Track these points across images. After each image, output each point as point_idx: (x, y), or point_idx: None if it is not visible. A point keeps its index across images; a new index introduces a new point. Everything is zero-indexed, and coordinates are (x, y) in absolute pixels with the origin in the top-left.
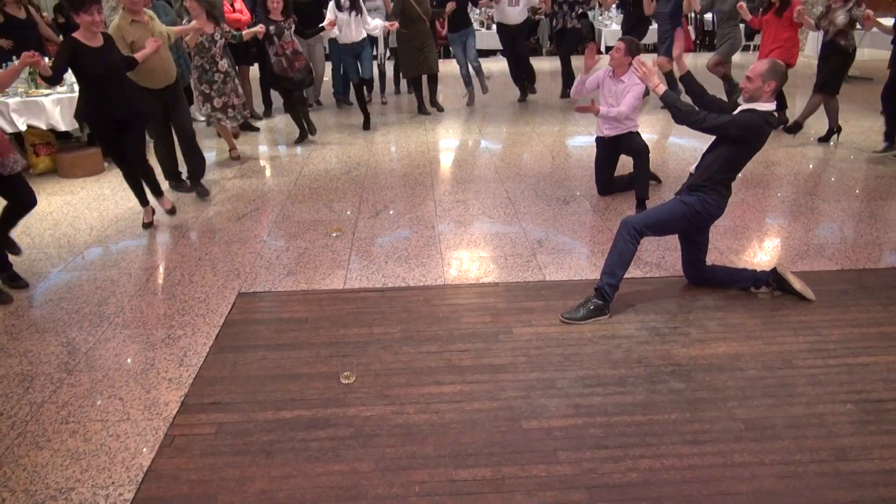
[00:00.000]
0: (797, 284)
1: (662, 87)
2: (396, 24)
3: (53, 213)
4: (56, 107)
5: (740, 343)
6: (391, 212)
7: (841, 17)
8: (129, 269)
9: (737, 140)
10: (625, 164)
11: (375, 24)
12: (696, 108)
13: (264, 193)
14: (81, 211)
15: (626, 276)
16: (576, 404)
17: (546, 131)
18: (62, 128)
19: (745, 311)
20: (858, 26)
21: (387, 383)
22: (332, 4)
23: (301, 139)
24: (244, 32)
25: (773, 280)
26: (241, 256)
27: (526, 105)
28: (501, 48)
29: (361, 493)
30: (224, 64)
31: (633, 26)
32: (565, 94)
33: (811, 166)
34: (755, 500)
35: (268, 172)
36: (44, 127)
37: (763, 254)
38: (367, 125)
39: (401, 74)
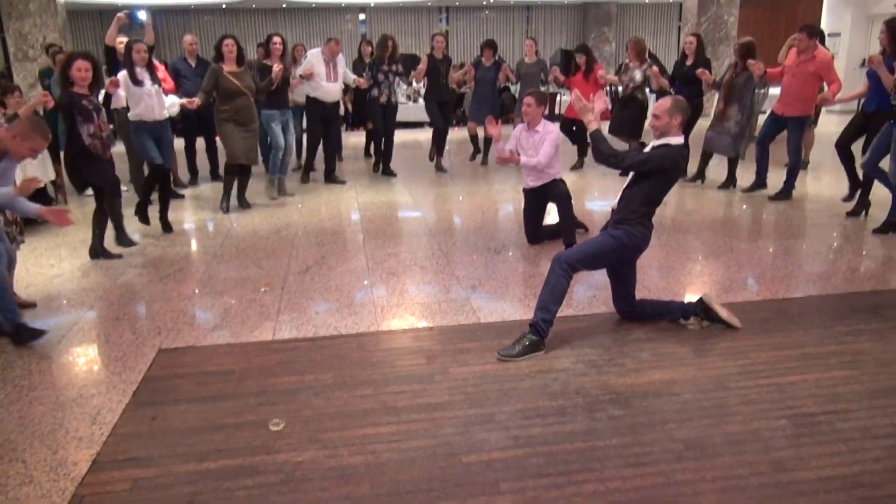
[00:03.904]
0: (723, 313)
1: (595, 125)
2: (197, 101)
3: None
4: None
5: (674, 370)
6: (322, 266)
7: (638, 76)
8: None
9: (655, 174)
10: (553, 213)
11: (172, 102)
12: (617, 150)
13: (189, 255)
14: None
15: (560, 314)
16: (515, 436)
17: (475, 191)
18: None
19: (675, 340)
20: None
21: (319, 428)
22: (123, 76)
23: (98, 253)
24: (21, 110)
25: (701, 310)
26: (162, 314)
27: (466, 164)
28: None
29: None
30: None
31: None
32: (386, 170)
33: (726, 212)
34: None
35: (193, 236)
36: None
37: (689, 290)
38: (165, 226)
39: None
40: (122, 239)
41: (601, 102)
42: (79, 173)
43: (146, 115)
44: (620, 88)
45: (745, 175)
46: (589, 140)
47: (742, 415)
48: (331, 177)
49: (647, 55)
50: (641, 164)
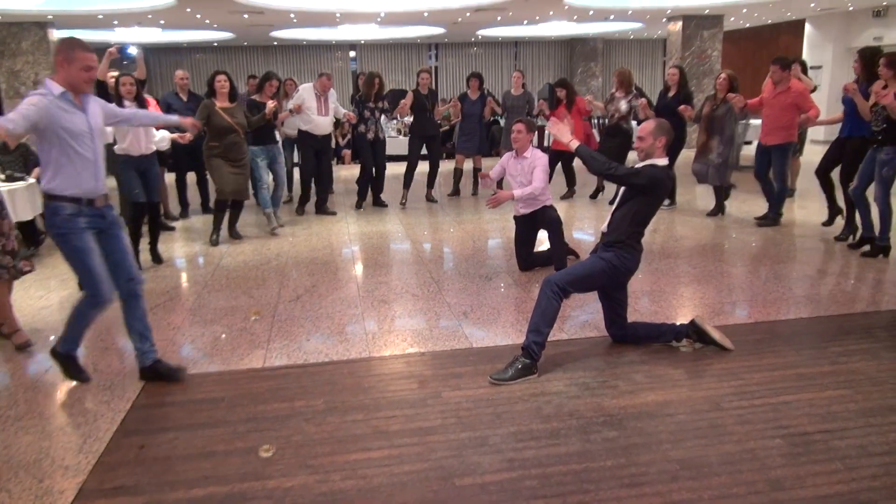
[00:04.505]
0: (716, 335)
1: (576, 143)
2: (189, 136)
3: None
4: None
5: (667, 391)
6: (313, 295)
7: (623, 106)
8: (24, 362)
9: (643, 192)
10: (543, 240)
11: (162, 136)
12: (609, 161)
13: (179, 286)
14: None
15: (552, 338)
16: (509, 458)
17: (466, 219)
18: None
19: (668, 362)
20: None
21: (310, 453)
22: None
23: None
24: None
25: (693, 332)
26: None
27: (446, 199)
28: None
29: None
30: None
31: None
32: (377, 201)
33: (715, 238)
34: None
35: (183, 267)
36: None
37: (681, 313)
38: (155, 258)
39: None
40: None
41: (568, 120)
42: None
43: (132, 150)
44: (605, 120)
45: (733, 203)
46: (578, 157)
47: (737, 434)
48: (322, 208)
49: (633, 87)
50: (634, 176)
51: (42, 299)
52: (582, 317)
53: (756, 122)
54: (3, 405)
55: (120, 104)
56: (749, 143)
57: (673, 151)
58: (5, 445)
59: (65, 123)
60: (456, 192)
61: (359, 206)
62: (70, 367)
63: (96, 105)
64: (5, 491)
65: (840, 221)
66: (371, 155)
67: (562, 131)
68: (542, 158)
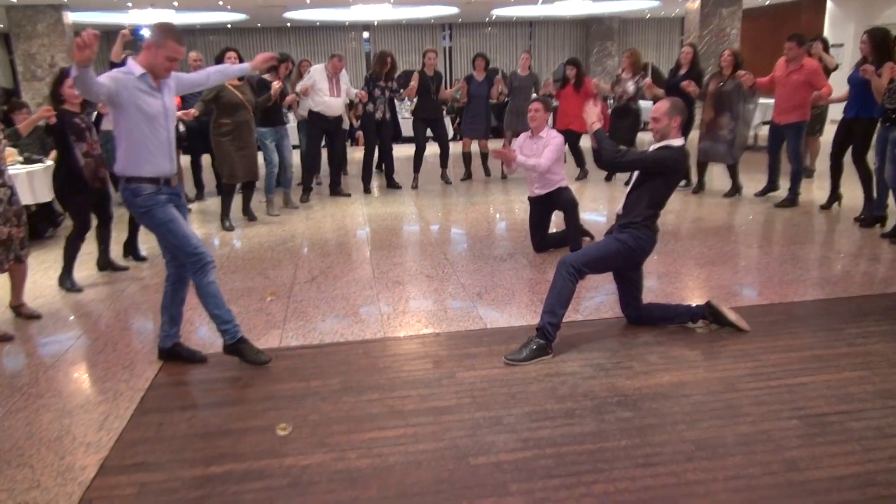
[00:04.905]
0: (732, 316)
1: (598, 125)
2: (194, 112)
3: None
4: None
5: (683, 372)
6: (328, 276)
7: (631, 87)
8: (45, 341)
9: (657, 174)
10: (558, 222)
11: None
12: (619, 147)
13: None
14: None
15: (567, 319)
16: (524, 438)
17: (479, 201)
18: None
19: (684, 343)
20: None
21: (326, 432)
22: None
23: (105, 265)
24: (22, 125)
25: (709, 313)
26: None
27: (459, 182)
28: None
29: None
30: (8, 175)
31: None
32: (391, 183)
33: (732, 219)
34: None
35: None
36: None
37: (697, 295)
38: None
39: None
40: (64, 280)
41: (596, 102)
42: (63, 197)
43: None
44: (612, 101)
45: (750, 183)
46: (591, 138)
47: (753, 415)
48: (336, 190)
49: (645, 67)
50: (643, 162)
51: None
52: (597, 298)
53: (767, 101)
54: (24, 383)
55: None
56: (767, 123)
57: (685, 131)
58: (27, 422)
59: (141, 104)
60: (468, 175)
61: (366, 190)
62: (249, 352)
63: (172, 82)
64: (28, 467)
65: (837, 207)
66: (375, 134)
67: (591, 112)
68: (556, 139)
